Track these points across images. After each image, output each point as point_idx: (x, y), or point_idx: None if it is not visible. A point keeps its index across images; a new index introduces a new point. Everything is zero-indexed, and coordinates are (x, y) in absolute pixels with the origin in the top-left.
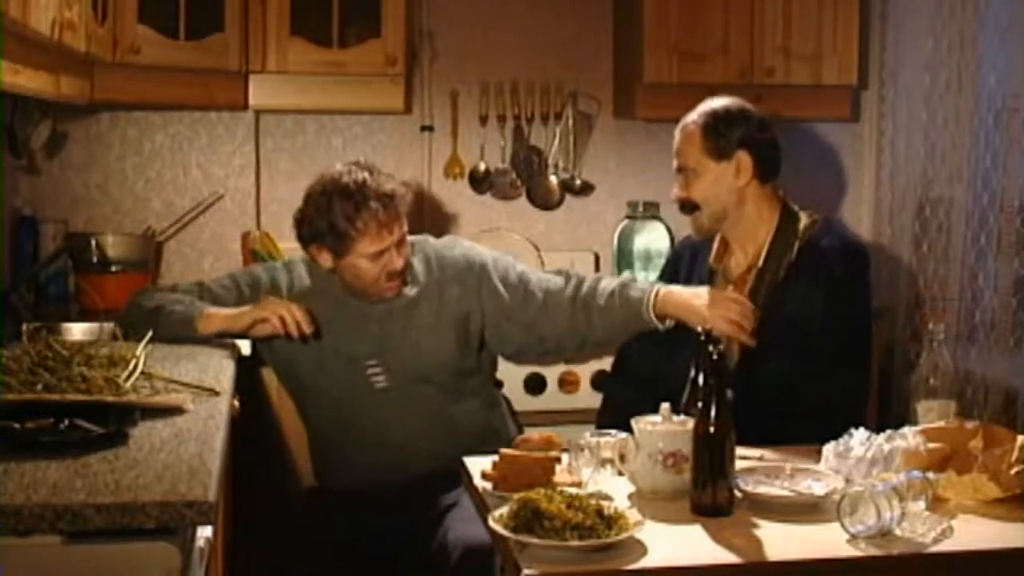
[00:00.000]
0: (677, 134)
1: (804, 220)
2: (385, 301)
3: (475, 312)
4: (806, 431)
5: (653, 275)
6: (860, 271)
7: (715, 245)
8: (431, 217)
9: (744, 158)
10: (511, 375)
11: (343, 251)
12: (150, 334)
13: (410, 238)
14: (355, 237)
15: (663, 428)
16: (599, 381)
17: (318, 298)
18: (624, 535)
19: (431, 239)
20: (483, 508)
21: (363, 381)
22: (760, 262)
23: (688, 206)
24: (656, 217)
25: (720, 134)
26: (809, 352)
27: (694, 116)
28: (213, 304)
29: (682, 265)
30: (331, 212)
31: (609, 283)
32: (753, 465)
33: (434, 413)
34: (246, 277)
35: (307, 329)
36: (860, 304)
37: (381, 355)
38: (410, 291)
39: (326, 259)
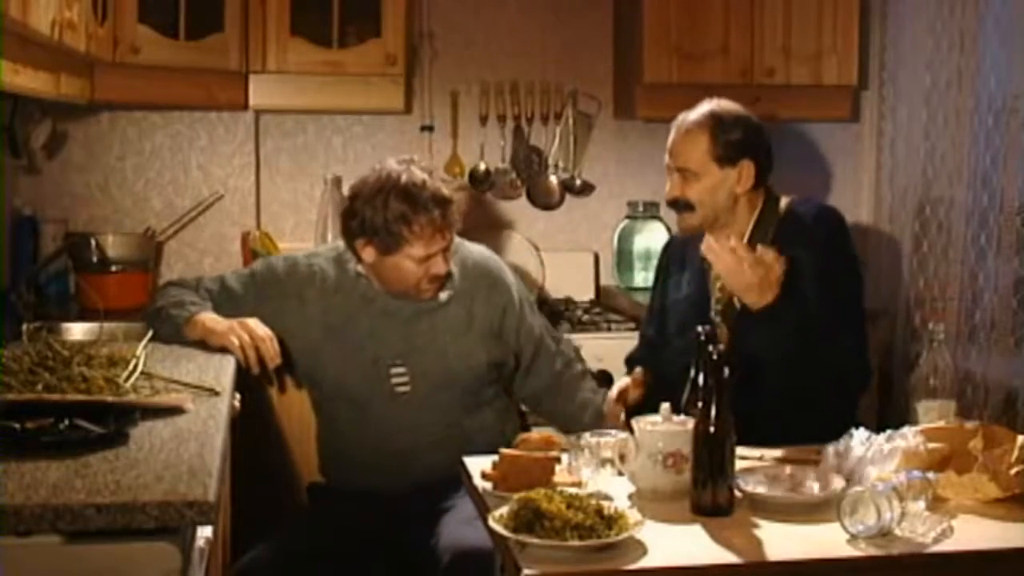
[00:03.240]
0: (676, 133)
1: (783, 201)
2: (416, 301)
3: (504, 332)
4: (810, 403)
5: (653, 274)
6: (839, 231)
7: (706, 237)
8: None
9: (748, 166)
10: None
11: (391, 250)
12: (150, 334)
13: None
14: (408, 239)
15: (663, 428)
16: (598, 381)
17: (342, 293)
18: (624, 535)
19: (466, 243)
20: (483, 508)
21: (385, 384)
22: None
23: (681, 205)
24: (656, 217)
25: (727, 140)
26: (802, 320)
27: (697, 117)
28: (227, 302)
29: (674, 262)
30: (387, 211)
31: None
32: (753, 465)
33: (449, 425)
34: (265, 272)
35: (270, 364)
36: (847, 265)
37: (407, 356)
38: (442, 294)
39: (369, 254)
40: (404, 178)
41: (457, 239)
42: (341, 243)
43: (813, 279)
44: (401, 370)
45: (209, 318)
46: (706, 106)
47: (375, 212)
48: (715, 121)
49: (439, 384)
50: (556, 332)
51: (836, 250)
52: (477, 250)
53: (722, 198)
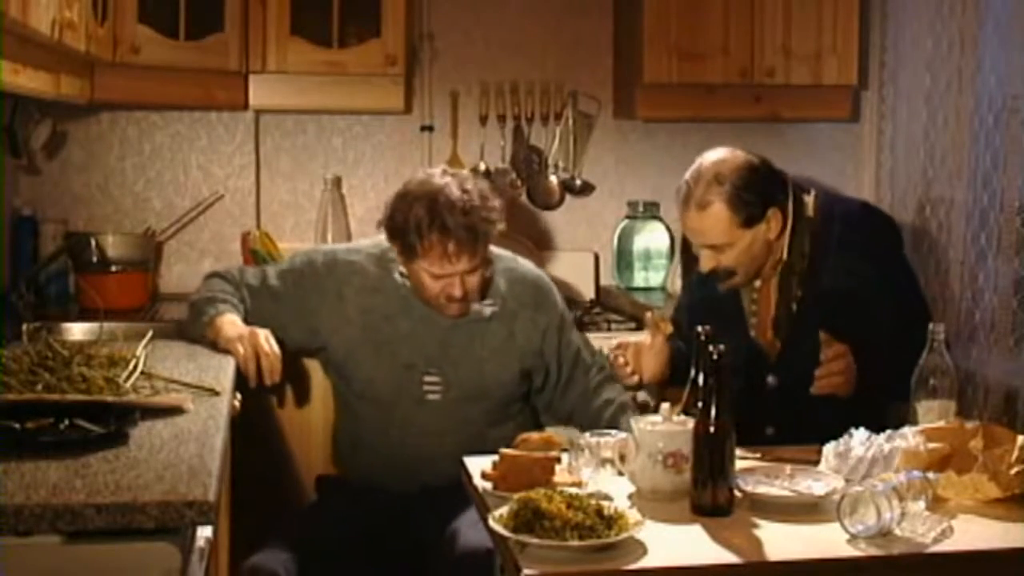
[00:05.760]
0: (689, 212)
1: (809, 202)
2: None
3: (544, 351)
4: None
5: (653, 274)
6: (890, 233)
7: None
8: None
9: (774, 214)
10: None
11: (408, 259)
12: (150, 334)
13: (498, 252)
14: (419, 252)
15: (663, 428)
16: None
17: (383, 294)
18: (624, 535)
19: (518, 259)
20: (483, 508)
21: (415, 390)
22: (784, 255)
23: (722, 275)
24: (656, 217)
25: (749, 203)
26: (863, 318)
27: (705, 188)
28: (268, 299)
29: (693, 257)
30: (409, 214)
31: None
32: (753, 465)
33: (473, 435)
34: (304, 268)
35: (267, 379)
36: (902, 265)
37: (442, 364)
38: (486, 309)
39: (399, 257)
40: (438, 190)
41: (508, 254)
42: (384, 241)
43: (864, 279)
44: (435, 378)
45: (226, 321)
46: (706, 169)
47: (398, 213)
48: (726, 187)
49: (470, 396)
50: (591, 346)
51: (889, 253)
52: (527, 268)
53: (759, 251)
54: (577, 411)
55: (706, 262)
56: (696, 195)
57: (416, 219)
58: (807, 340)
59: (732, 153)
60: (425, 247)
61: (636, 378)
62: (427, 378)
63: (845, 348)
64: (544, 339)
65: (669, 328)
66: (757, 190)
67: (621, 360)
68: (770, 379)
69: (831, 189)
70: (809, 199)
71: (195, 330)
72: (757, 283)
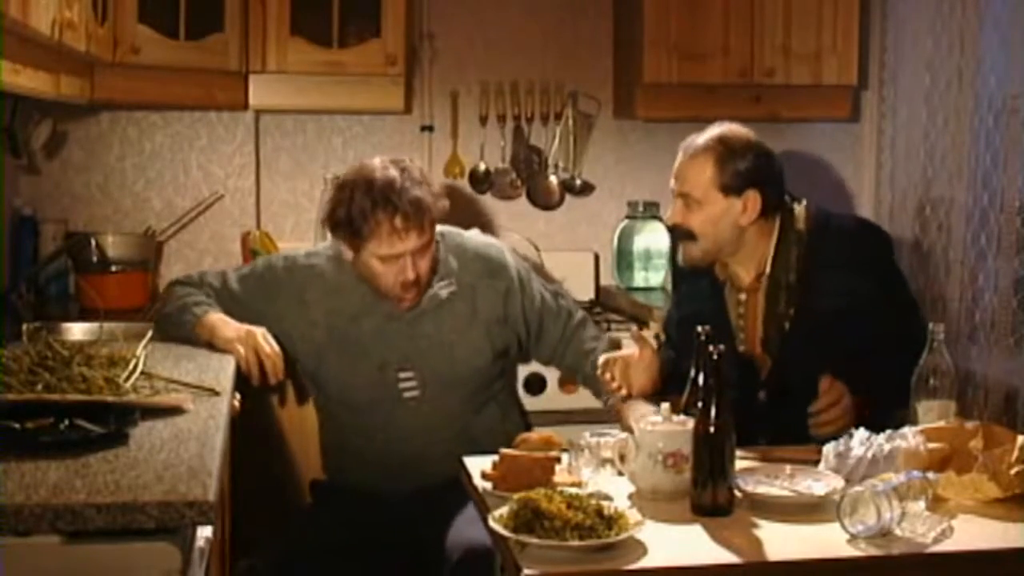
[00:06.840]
0: (682, 157)
1: (800, 214)
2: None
3: (508, 316)
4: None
5: (653, 274)
6: (886, 249)
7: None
8: None
9: (753, 197)
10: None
11: (356, 247)
12: (149, 334)
13: (443, 229)
14: (366, 235)
15: (663, 428)
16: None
17: (344, 295)
18: (624, 535)
19: (464, 233)
20: (483, 508)
21: (392, 390)
22: (768, 268)
23: (682, 234)
24: (656, 217)
25: (734, 168)
26: (858, 334)
27: (704, 142)
28: (229, 301)
29: (684, 279)
30: (351, 204)
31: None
32: (753, 465)
33: (459, 428)
34: (264, 273)
35: (272, 380)
36: (900, 283)
37: (414, 359)
38: (442, 291)
39: (347, 251)
40: (376, 174)
41: (454, 230)
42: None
43: (858, 295)
44: (409, 375)
45: (218, 319)
46: (715, 130)
47: (339, 206)
48: (723, 147)
49: (448, 385)
50: (553, 286)
51: (885, 267)
52: (474, 239)
53: (725, 229)
54: (556, 357)
55: (674, 214)
56: (694, 144)
57: (359, 204)
58: (799, 358)
59: (747, 129)
60: (372, 228)
61: (625, 393)
62: (402, 375)
63: (841, 392)
64: (507, 304)
65: (654, 343)
66: (748, 164)
67: (608, 376)
68: (761, 394)
69: (822, 207)
70: (799, 209)
71: (179, 336)
72: (743, 296)
